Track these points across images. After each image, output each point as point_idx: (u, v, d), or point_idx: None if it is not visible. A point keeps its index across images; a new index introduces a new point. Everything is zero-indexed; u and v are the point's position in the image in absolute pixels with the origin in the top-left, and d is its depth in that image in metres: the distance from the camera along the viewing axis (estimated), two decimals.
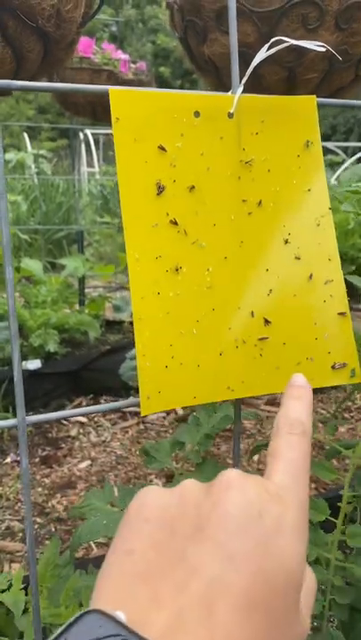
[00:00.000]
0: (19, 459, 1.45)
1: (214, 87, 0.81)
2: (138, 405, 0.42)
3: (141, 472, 1.39)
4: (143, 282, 0.41)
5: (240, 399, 0.50)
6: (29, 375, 1.70)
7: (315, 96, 0.46)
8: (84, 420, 1.70)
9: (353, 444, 0.67)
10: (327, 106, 0.50)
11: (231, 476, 0.25)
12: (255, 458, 1.44)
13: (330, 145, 5.23)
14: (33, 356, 1.82)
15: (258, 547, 0.22)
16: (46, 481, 1.37)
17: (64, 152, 6.83)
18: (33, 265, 2.22)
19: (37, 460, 1.47)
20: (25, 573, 0.73)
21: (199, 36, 0.72)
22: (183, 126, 0.42)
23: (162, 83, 10.42)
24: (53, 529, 1.19)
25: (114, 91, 0.40)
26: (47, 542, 1.13)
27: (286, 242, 0.45)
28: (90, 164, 5.83)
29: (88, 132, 4.97)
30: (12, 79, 0.63)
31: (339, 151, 5.19)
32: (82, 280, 2.42)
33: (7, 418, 1.56)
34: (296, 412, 0.29)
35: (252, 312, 0.44)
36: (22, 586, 0.63)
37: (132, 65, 1.94)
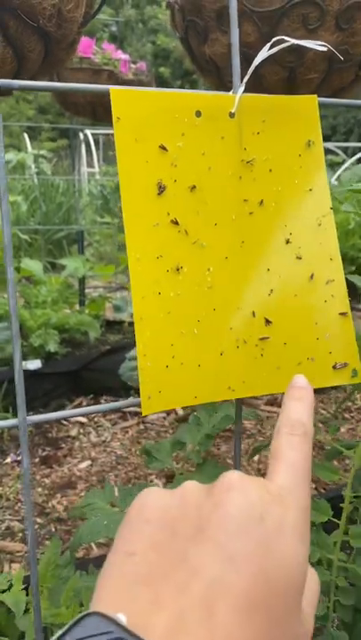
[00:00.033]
0: (19, 459, 1.45)
1: (215, 87, 0.81)
2: (138, 405, 0.42)
3: (142, 472, 1.39)
4: (144, 282, 0.41)
5: (241, 399, 0.50)
6: (29, 375, 1.70)
7: (316, 96, 0.46)
8: (84, 420, 1.70)
9: (354, 445, 0.67)
10: (328, 106, 0.50)
11: (232, 477, 0.24)
12: (255, 458, 1.43)
13: (330, 145, 5.23)
14: (33, 356, 1.82)
15: (259, 548, 0.22)
16: (46, 481, 1.37)
17: (64, 152, 6.83)
18: (33, 265, 2.22)
19: (37, 460, 1.47)
20: (25, 573, 0.73)
21: (200, 36, 0.72)
22: (184, 126, 0.42)
23: (162, 83, 10.41)
24: (53, 529, 1.19)
25: (115, 90, 0.40)
26: (47, 542, 1.13)
27: (288, 242, 0.45)
28: (90, 165, 5.83)
29: (88, 132, 4.97)
30: (12, 79, 0.63)
31: (339, 151, 5.19)
32: (82, 280, 2.42)
33: (7, 418, 1.56)
34: (297, 413, 0.29)
35: (253, 312, 0.44)
36: (23, 586, 0.63)
37: (133, 65, 1.94)
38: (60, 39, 0.63)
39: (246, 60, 0.51)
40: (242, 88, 0.42)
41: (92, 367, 1.84)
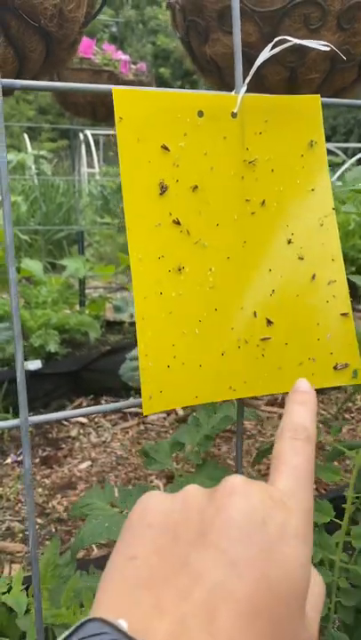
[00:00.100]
0: (19, 459, 1.45)
1: (216, 87, 0.81)
2: (139, 406, 0.42)
3: (142, 473, 1.38)
4: (146, 282, 0.41)
5: (242, 400, 0.50)
6: (30, 375, 1.70)
7: (319, 95, 0.46)
8: (84, 420, 1.70)
9: (355, 445, 0.67)
10: (329, 106, 0.50)
11: (235, 481, 0.24)
12: None
13: (330, 146, 5.23)
14: (33, 357, 1.82)
15: (261, 553, 0.22)
16: (47, 481, 1.37)
17: (64, 153, 6.84)
18: (33, 265, 2.22)
19: (38, 460, 1.47)
20: (25, 574, 0.73)
21: (201, 37, 0.72)
22: (186, 126, 0.42)
23: (162, 83, 10.42)
24: (54, 529, 1.19)
25: (117, 90, 0.40)
26: (47, 543, 1.13)
27: (289, 242, 0.45)
28: (90, 165, 5.83)
29: (88, 132, 4.98)
30: (14, 79, 0.63)
31: (339, 152, 5.20)
32: (82, 281, 2.42)
33: (7, 418, 1.56)
34: (300, 417, 0.29)
35: (255, 312, 0.44)
36: (23, 587, 0.63)
37: (133, 66, 1.94)
38: (62, 39, 0.63)
39: (248, 60, 0.51)
40: (244, 88, 0.42)
41: (92, 367, 1.84)
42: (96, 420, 1.70)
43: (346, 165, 4.03)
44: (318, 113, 0.46)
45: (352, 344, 0.46)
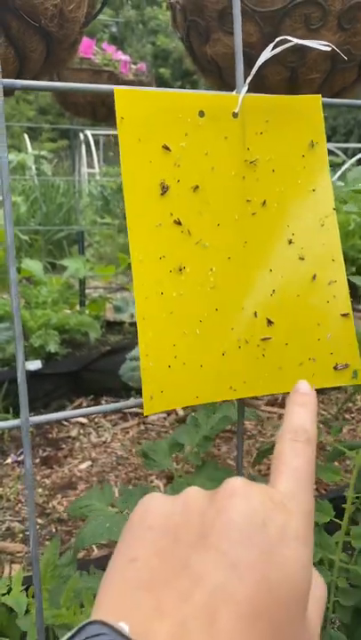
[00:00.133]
0: (19, 459, 1.45)
1: (217, 87, 0.81)
2: (140, 406, 0.42)
3: (142, 473, 1.38)
4: (147, 282, 0.41)
5: (243, 401, 0.50)
6: (30, 376, 1.70)
7: (320, 96, 0.46)
8: (84, 420, 1.70)
9: (356, 446, 0.67)
10: (330, 106, 0.50)
11: (236, 483, 0.24)
12: None
13: (330, 146, 5.23)
14: (33, 357, 1.82)
15: (262, 555, 0.22)
16: (47, 482, 1.37)
17: (64, 153, 6.84)
18: (33, 265, 2.22)
19: (38, 460, 1.47)
20: (25, 574, 0.73)
21: (202, 37, 0.72)
22: (188, 126, 0.42)
23: (162, 84, 10.41)
24: (54, 530, 1.19)
25: (119, 90, 0.40)
26: (47, 543, 1.13)
27: (290, 242, 0.45)
28: (90, 165, 5.83)
29: (88, 132, 4.98)
30: (14, 79, 0.63)
31: (339, 152, 5.20)
32: (82, 281, 2.42)
33: (7, 419, 1.56)
34: (300, 419, 0.29)
35: (256, 312, 0.44)
36: (22, 587, 0.63)
37: (133, 66, 1.94)
38: (62, 39, 0.63)
39: (248, 60, 0.51)
40: (245, 88, 0.42)
41: (92, 368, 1.84)
42: (96, 420, 1.70)
43: (346, 165, 4.03)
44: (319, 113, 0.46)
45: (352, 344, 0.46)
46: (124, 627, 0.20)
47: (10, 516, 1.24)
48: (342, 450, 0.66)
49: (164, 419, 1.68)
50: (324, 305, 0.46)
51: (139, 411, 1.68)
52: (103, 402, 1.82)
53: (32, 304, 2.05)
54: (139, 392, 0.40)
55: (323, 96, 0.46)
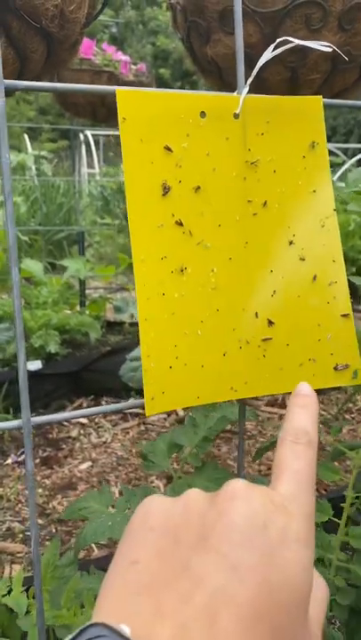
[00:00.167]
0: (19, 460, 1.45)
1: (217, 88, 0.81)
2: (141, 407, 0.42)
3: (142, 473, 1.38)
4: (149, 283, 0.41)
5: (244, 402, 0.50)
6: (30, 376, 1.69)
7: (321, 97, 0.46)
8: (84, 420, 1.70)
9: (356, 446, 0.67)
10: (330, 107, 0.50)
11: (236, 486, 0.24)
12: None
13: (330, 146, 5.22)
14: (34, 357, 1.82)
15: (263, 558, 0.22)
16: (47, 482, 1.37)
17: (64, 153, 6.84)
18: (33, 266, 2.22)
19: (38, 460, 1.47)
20: (26, 575, 0.73)
21: (202, 37, 0.72)
22: (189, 127, 0.42)
23: (162, 84, 10.42)
24: (54, 530, 1.19)
25: (121, 91, 0.40)
26: (48, 543, 1.13)
27: (291, 243, 0.45)
28: (90, 166, 5.83)
29: (88, 133, 4.98)
30: (15, 79, 0.63)
31: (339, 152, 5.19)
32: (82, 281, 2.42)
33: (7, 419, 1.56)
34: (301, 421, 0.29)
35: (256, 313, 0.44)
36: (23, 588, 0.63)
37: (133, 66, 1.95)
38: (63, 40, 0.63)
39: (249, 61, 0.51)
40: (246, 89, 0.42)
41: (92, 368, 1.84)
42: (96, 420, 1.70)
43: (346, 166, 4.03)
44: (320, 114, 0.46)
45: (352, 345, 0.47)
46: (125, 629, 0.20)
47: (10, 516, 1.24)
48: (343, 450, 0.66)
49: (165, 419, 1.68)
50: (324, 306, 0.46)
51: (139, 411, 1.68)
52: (103, 402, 1.82)
53: (32, 304, 2.05)
54: (139, 392, 0.41)
55: (323, 97, 0.46)
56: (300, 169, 0.45)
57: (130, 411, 1.72)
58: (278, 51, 0.41)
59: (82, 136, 3.88)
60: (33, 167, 4.76)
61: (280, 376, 0.45)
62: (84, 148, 4.78)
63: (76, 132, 2.72)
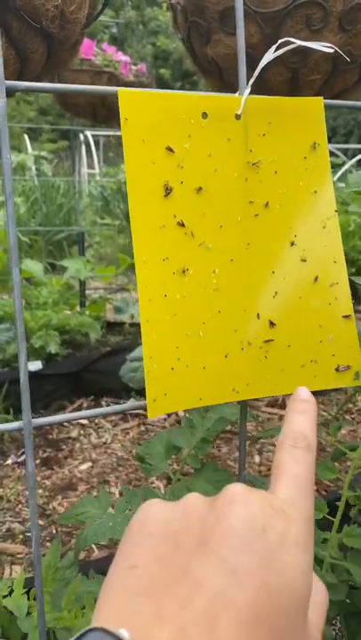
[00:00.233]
0: (19, 460, 1.45)
1: (217, 88, 0.81)
2: (143, 408, 0.42)
3: (142, 474, 1.38)
4: (151, 284, 0.41)
5: (246, 403, 0.50)
6: (30, 376, 1.68)
7: (322, 98, 0.46)
8: (84, 421, 1.70)
9: (356, 446, 0.67)
10: (331, 107, 0.50)
11: (235, 490, 0.24)
12: (257, 460, 1.43)
13: (330, 147, 5.22)
14: (34, 358, 1.82)
15: (261, 562, 0.22)
16: (47, 483, 1.37)
17: (64, 153, 6.84)
18: (34, 266, 2.22)
19: (38, 461, 1.47)
20: (27, 576, 0.73)
21: (203, 37, 0.72)
22: (191, 127, 0.42)
23: (162, 84, 10.42)
24: (54, 531, 1.19)
25: (123, 92, 0.40)
26: (48, 544, 1.13)
27: (292, 244, 0.45)
28: (90, 166, 5.83)
29: (88, 133, 4.98)
30: (15, 80, 0.63)
31: (339, 153, 5.19)
32: (82, 281, 2.42)
33: (8, 420, 1.56)
34: (300, 425, 0.29)
35: (258, 314, 0.44)
36: (24, 590, 0.63)
37: (133, 67, 1.95)
38: (63, 40, 0.63)
39: (250, 61, 0.51)
40: (248, 90, 0.42)
41: (92, 368, 1.84)
42: (96, 420, 1.70)
43: (346, 166, 4.03)
44: (321, 115, 0.46)
45: (354, 346, 0.46)
46: (125, 633, 0.20)
47: (10, 517, 1.24)
48: (344, 451, 0.66)
49: (165, 419, 1.68)
50: (325, 307, 0.46)
51: (139, 411, 1.68)
52: (103, 403, 1.82)
53: (32, 305, 2.05)
54: (139, 393, 0.40)
55: (323, 97, 0.46)
56: (302, 170, 0.45)
57: (130, 411, 1.72)
58: (280, 52, 0.41)
59: (82, 136, 3.88)
60: (33, 167, 4.76)
61: (282, 377, 0.45)
62: (84, 148, 4.78)
63: (76, 132, 2.72)
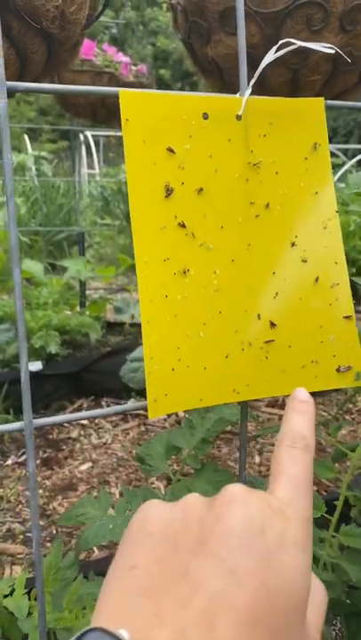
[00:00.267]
0: (20, 461, 1.45)
1: (217, 88, 0.81)
2: (143, 409, 0.42)
3: (142, 474, 1.38)
4: (151, 285, 0.41)
5: (246, 404, 0.50)
6: (31, 377, 1.67)
7: (323, 98, 0.46)
8: (84, 421, 1.70)
9: (356, 446, 0.67)
10: (331, 108, 0.50)
11: (234, 490, 0.24)
12: (257, 460, 1.43)
13: (330, 147, 5.22)
14: (34, 358, 1.82)
15: (260, 562, 0.22)
16: (47, 483, 1.37)
17: (64, 154, 6.84)
18: (34, 267, 2.22)
19: (38, 461, 1.47)
20: (28, 576, 0.73)
21: (203, 38, 0.72)
22: (192, 128, 0.42)
23: (162, 85, 10.43)
24: (55, 531, 1.19)
25: (124, 92, 0.40)
26: (49, 545, 1.13)
27: (293, 245, 0.45)
28: (90, 166, 5.83)
29: (88, 133, 4.98)
30: (16, 80, 0.63)
31: (339, 153, 5.19)
32: (83, 282, 2.42)
33: (8, 420, 1.56)
34: (298, 426, 0.29)
35: (259, 315, 0.44)
36: (25, 590, 0.63)
37: (133, 67, 1.95)
38: (64, 41, 0.63)
39: (250, 62, 0.51)
40: (249, 90, 0.42)
41: (92, 369, 1.84)
42: (96, 421, 1.70)
43: (346, 167, 4.03)
44: (322, 116, 0.46)
45: (355, 346, 0.46)
46: (124, 634, 0.20)
47: (10, 517, 1.24)
48: (344, 452, 0.66)
49: (165, 420, 1.68)
50: (326, 307, 0.46)
51: (139, 412, 1.68)
52: (104, 403, 1.82)
53: (33, 305, 2.05)
54: (139, 393, 0.41)
55: (323, 98, 0.46)
56: (303, 170, 0.45)
57: (130, 412, 1.72)
58: (281, 52, 0.41)
59: (82, 137, 3.88)
60: (33, 168, 4.76)
61: (282, 378, 0.45)
62: (84, 148, 4.78)
63: (76, 132, 2.72)
